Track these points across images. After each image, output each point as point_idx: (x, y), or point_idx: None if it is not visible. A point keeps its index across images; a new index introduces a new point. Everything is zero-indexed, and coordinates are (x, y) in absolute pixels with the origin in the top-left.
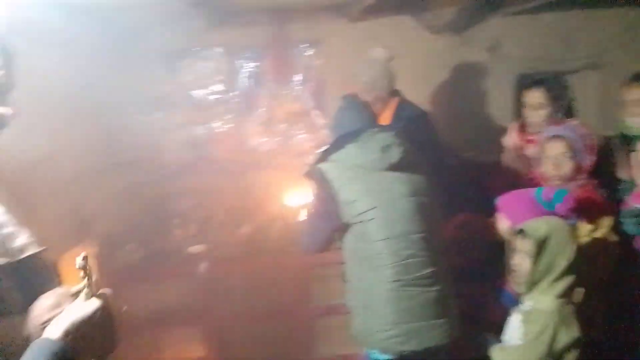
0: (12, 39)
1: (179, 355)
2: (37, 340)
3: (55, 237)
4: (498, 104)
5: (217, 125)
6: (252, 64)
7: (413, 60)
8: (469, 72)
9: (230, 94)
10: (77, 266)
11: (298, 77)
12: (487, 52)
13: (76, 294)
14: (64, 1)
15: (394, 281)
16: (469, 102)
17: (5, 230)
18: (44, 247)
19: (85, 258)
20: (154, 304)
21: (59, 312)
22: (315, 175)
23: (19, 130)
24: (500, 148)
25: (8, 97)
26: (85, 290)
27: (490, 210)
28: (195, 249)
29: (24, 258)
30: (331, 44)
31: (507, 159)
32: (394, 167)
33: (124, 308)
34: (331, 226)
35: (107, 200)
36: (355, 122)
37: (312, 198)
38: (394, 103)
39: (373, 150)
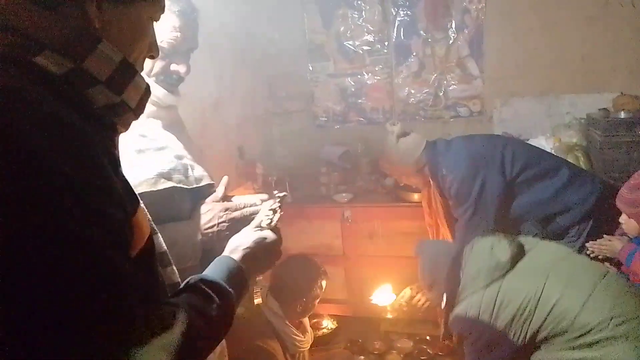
0: None
1: (323, 295)
2: (220, 257)
3: (222, 175)
4: None
5: (368, 76)
6: (406, 12)
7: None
8: None
9: (382, 43)
10: (277, 199)
11: (453, 24)
12: None
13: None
14: None
15: None
16: None
17: (187, 162)
18: (213, 182)
19: (284, 196)
20: (302, 242)
21: (217, 221)
22: None
23: (194, 79)
24: None
25: (181, 55)
26: (268, 221)
27: None
28: (340, 197)
29: (200, 186)
30: None
31: None
32: None
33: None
34: None
35: (266, 146)
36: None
37: None
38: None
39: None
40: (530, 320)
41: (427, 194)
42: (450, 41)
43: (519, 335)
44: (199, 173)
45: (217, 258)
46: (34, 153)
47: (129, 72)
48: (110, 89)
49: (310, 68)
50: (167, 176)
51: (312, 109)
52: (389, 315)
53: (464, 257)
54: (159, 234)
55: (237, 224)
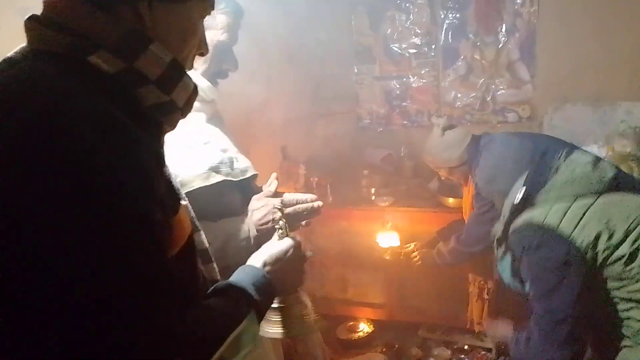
0: None
1: (361, 298)
2: (243, 266)
3: (266, 175)
4: None
5: (414, 79)
6: (455, 15)
7: None
8: None
9: (429, 46)
10: (274, 208)
11: (504, 27)
12: None
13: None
14: None
15: None
16: None
17: (231, 154)
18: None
19: (281, 202)
20: (343, 244)
21: (272, 217)
22: None
23: (243, 78)
24: None
25: (231, 53)
26: (280, 231)
27: None
28: (382, 200)
29: (246, 178)
30: None
31: None
32: None
33: (309, 253)
34: None
35: (309, 146)
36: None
37: None
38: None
39: None
40: (618, 246)
41: (467, 190)
42: (500, 45)
43: (598, 258)
44: (243, 165)
45: (240, 267)
46: (81, 150)
47: (178, 72)
48: (160, 88)
49: (356, 70)
50: (216, 170)
51: (356, 111)
52: (387, 257)
53: (555, 159)
54: (201, 232)
55: (290, 221)
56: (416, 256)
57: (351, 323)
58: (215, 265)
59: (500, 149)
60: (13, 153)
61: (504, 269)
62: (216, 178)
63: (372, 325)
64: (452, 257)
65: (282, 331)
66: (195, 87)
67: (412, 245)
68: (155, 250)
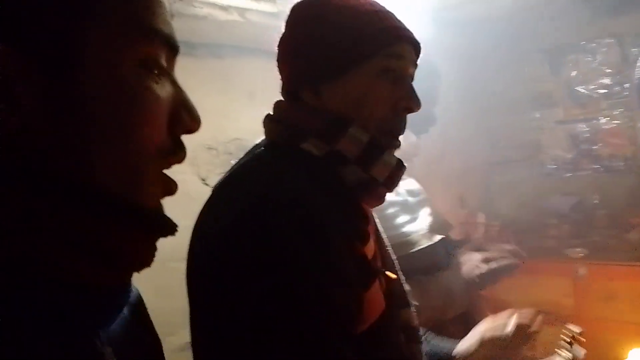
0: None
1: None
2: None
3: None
4: None
5: (604, 121)
6: None
7: None
8: None
9: (621, 86)
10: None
11: None
12: None
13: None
14: (458, 18)
15: None
16: None
17: (435, 209)
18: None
19: (581, 333)
20: (527, 298)
21: (478, 272)
22: None
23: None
24: None
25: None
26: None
27: None
28: (573, 251)
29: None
30: None
31: None
32: None
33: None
34: None
35: (488, 195)
36: None
37: None
38: None
39: None
40: None
41: None
42: None
43: None
44: (442, 220)
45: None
46: (272, 228)
47: (377, 150)
48: (360, 167)
49: (535, 116)
50: (435, 228)
51: (539, 157)
52: None
53: None
54: (412, 308)
55: (496, 274)
56: None
57: None
58: (420, 346)
59: None
60: (225, 222)
61: None
62: (437, 237)
63: None
64: None
65: None
66: (399, 162)
67: None
68: (332, 329)
